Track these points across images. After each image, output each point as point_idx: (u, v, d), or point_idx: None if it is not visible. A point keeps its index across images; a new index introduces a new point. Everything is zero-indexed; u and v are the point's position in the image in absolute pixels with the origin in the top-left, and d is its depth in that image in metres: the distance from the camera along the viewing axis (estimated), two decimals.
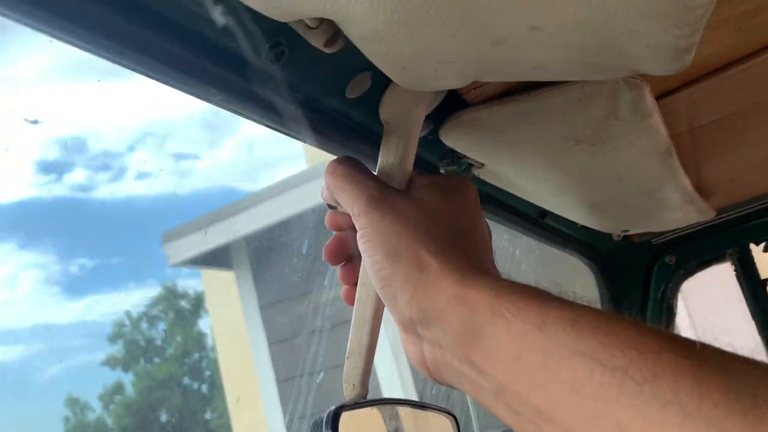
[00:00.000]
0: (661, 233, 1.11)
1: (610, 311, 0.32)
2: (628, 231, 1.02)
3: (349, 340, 0.49)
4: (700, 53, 0.54)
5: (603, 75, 0.40)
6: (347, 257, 0.50)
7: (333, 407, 0.43)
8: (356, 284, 0.50)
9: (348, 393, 0.48)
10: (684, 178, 0.72)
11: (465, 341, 0.36)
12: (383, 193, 0.43)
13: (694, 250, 1.12)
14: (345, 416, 0.44)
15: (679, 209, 0.85)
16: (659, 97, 0.63)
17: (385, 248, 0.41)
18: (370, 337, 0.48)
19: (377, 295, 0.48)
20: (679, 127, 0.70)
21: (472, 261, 0.40)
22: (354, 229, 0.45)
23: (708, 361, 0.28)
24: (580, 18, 0.29)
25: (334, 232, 0.51)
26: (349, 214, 0.49)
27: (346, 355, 0.49)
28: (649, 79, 0.51)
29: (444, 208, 0.44)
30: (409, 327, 0.40)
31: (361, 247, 0.42)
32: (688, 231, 1.09)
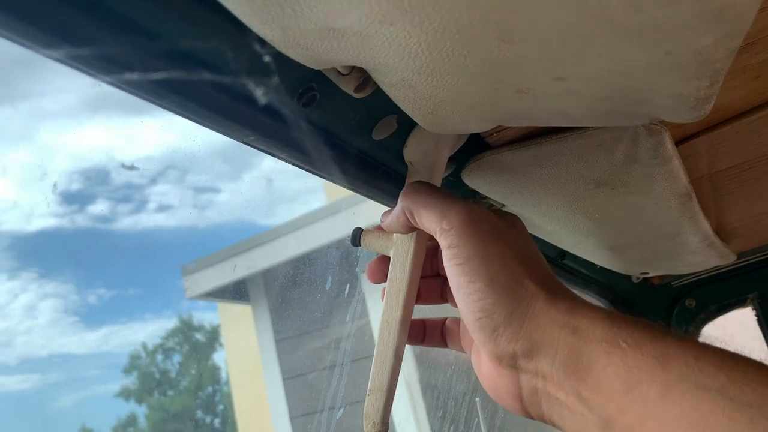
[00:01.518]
0: (682, 276, 1.11)
1: (732, 350, 0.31)
2: (647, 273, 1.02)
3: (370, 377, 0.49)
4: (720, 100, 0.55)
5: (624, 122, 0.41)
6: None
7: None
8: None
9: (368, 430, 0.49)
10: (704, 222, 0.73)
11: (574, 371, 0.34)
12: (479, 209, 0.41)
13: (714, 293, 1.12)
14: None
15: (699, 253, 0.85)
16: (679, 142, 0.64)
17: (486, 274, 0.38)
18: (391, 374, 0.49)
19: (399, 332, 0.49)
20: (699, 172, 0.71)
21: (567, 291, 0.38)
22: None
23: None
24: (604, 70, 0.30)
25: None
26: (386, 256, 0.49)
27: (367, 392, 0.49)
28: (669, 124, 0.52)
29: (522, 241, 0.42)
30: (506, 361, 0.38)
31: (454, 270, 0.39)
32: (709, 274, 1.09)
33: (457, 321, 0.51)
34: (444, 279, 0.51)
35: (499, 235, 0.40)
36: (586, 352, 0.34)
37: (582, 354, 0.34)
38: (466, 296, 0.38)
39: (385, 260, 0.50)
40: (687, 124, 0.63)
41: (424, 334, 0.52)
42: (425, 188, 0.44)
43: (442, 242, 0.40)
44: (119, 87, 0.30)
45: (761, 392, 0.28)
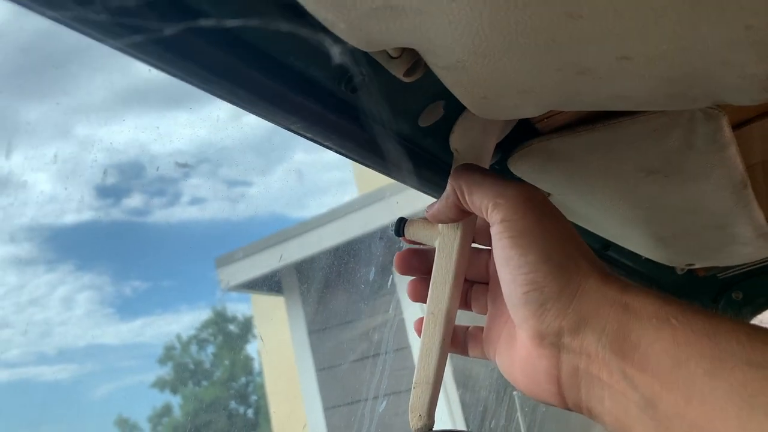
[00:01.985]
0: (728, 268, 1.07)
1: None
2: (693, 265, 0.99)
3: (416, 370, 0.48)
4: None
5: (685, 105, 0.39)
6: (414, 272, 0.50)
7: None
8: (420, 300, 0.50)
9: (414, 423, 0.48)
10: (758, 211, 0.70)
11: (621, 347, 0.34)
12: (535, 188, 0.41)
13: (762, 285, 1.08)
14: None
15: (750, 243, 0.82)
16: (734, 128, 0.61)
17: (541, 249, 0.37)
18: (437, 367, 0.48)
19: (445, 324, 0.48)
20: (752, 159, 0.68)
21: (620, 276, 0.38)
22: (428, 251, 0.44)
23: None
24: (675, 47, 0.29)
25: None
26: (426, 251, 0.49)
27: (413, 385, 0.48)
28: (727, 109, 0.50)
29: (570, 225, 0.41)
30: (550, 338, 0.37)
31: (505, 242, 0.38)
32: (757, 266, 1.06)
33: (480, 329, 0.51)
34: (470, 285, 0.51)
35: (556, 215, 0.40)
36: (635, 328, 0.34)
37: (631, 330, 0.34)
38: (516, 268, 0.38)
39: (414, 253, 0.50)
40: (743, 109, 0.60)
41: (465, 343, 0.51)
42: (478, 169, 0.44)
43: (495, 217, 0.39)
44: (166, 71, 0.30)
45: None
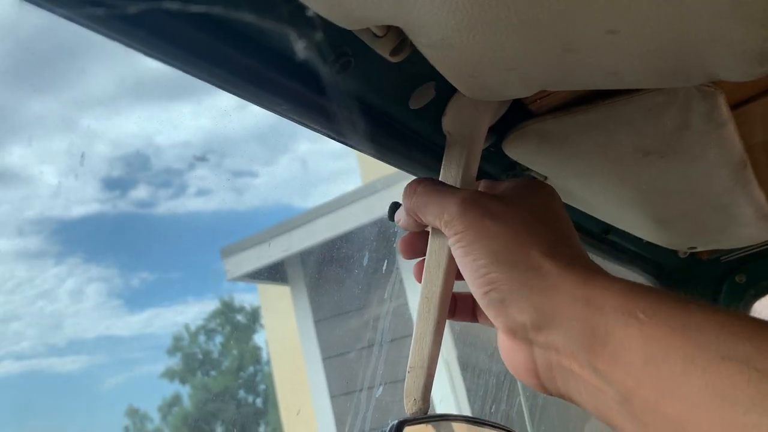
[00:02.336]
0: (731, 250, 1.06)
1: (761, 318, 0.29)
2: (695, 248, 0.98)
3: (410, 354, 0.48)
4: None
5: (678, 82, 0.38)
6: (420, 253, 0.49)
7: (395, 421, 0.42)
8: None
9: (409, 407, 0.47)
10: (759, 191, 0.69)
11: (589, 344, 0.33)
12: (475, 195, 0.42)
13: (766, 268, 1.07)
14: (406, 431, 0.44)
15: (751, 225, 0.81)
16: (733, 107, 0.60)
17: (490, 252, 0.38)
18: (432, 351, 0.47)
19: (439, 308, 0.47)
20: (753, 138, 0.67)
21: (585, 262, 0.38)
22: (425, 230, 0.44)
23: None
24: (662, 20, 0.28)
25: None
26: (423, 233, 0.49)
27: (407, 370, 0.48)
28: (723, 87, 0.49)
29: (538, 210, 0.42)
30: (519, 333, 0.38)
31: (459, 252, 0.40)
32: (760, 248, 1.05)
33: None
34: (461, 297, 0.51)
35: (502, 213, 0.40)
36: (601, 324, 0.33)
37: (596, 326, 0.33)
38: (473, 273, 0.39)
39: (417, 235, 0.50)
40: (742, 87, 0.59)
41: (454, 308, 0.50)
42: (423, 186, 0.44)
43: (448, 233, 0.41)
44: (140, 50, 0.29)
45: None
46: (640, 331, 0.31)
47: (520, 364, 0.39)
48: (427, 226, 0.47)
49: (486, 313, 0.40)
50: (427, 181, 0.45)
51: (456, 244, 0.40)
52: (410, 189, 0.45)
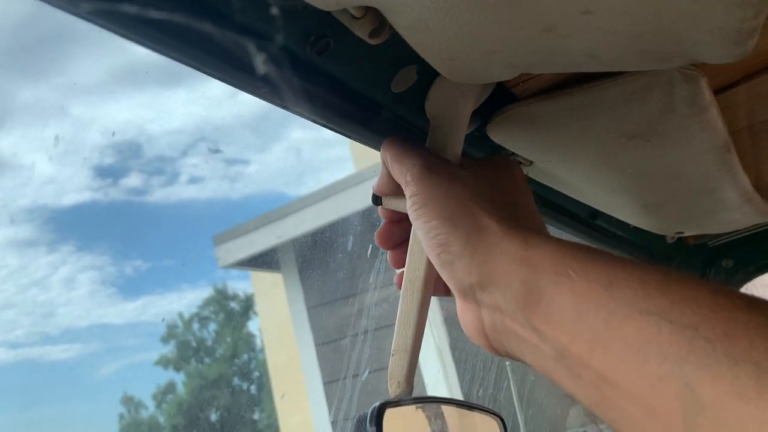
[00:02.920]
0: (718, 235, 1.07)
1: (683, 273, 0.30)
2: (682, 233, 0.98)
3: (394, 337, 0.48)
4: (762, 45, 0.51)
5: (658, 64, 0.38)
6: (397, 243, 0.51)
7: (377, 403, 0.43)
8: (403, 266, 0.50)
9: (393, 390, 0.48)
10: (743, 176, 0.69)
11: (527, 303, 0.35)
12: (437, 160, 0.43)
13: (752, 253, 1.08)
14: (390, 414, 0.44)
15: (737, 210, 0.81)
16: (717, 92, 0.60)
17: (441, 213, 0.40)
18: (415, 334, 0.48)
19: (422, 291, 0.48)
20: (738, 124, 0.68)
21: (532, 226, 0.39)
22: (402, 220, 0.45)
23: None
24: (637, 0, 0.28)
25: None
26: (394, 210, 0.49)
27: (391, 352, 0.48)
28: (706, 71, 0.49)
29: (496, 180, 0.44)
30: (468, 293, 0.39)
31: (413, 215, 0.42)
32: (747, 233, 1.05)
33: None
34: None
35: (456, 179, 0.42)
36: (536, 283, 0.35)
37: (532, 285, 0.35)
38: (426, 234, 0.40)
39: (394, 225, 0.51)
40: (726, 71, 0.59)
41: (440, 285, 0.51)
42: (396, 141, 0.46)
43: (407, 193, 0.42)
44: (116, 32, 0.29)
45: (700, 313, 0.28)
46: (571, 289, 0.33)
47: (471, 325, 0.40)
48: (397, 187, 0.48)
49: (442, 276, 0.41)
50: (402, 138, 0.47)
51: (412, 206, 0.41)
52: (388, 141, 0.47)
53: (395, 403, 0.45)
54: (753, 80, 0.60)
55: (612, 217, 0.84)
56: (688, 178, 0.68)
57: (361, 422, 0.42)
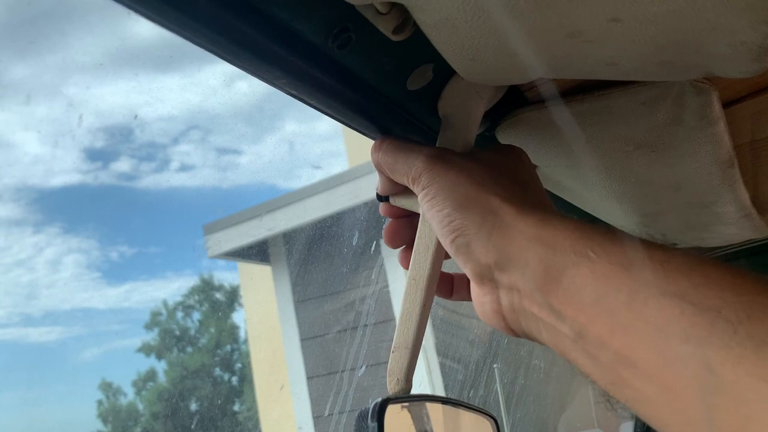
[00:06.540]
0: (713, 248, 1.08)
1: (704, 257, 0.32)
2: (677, 245, 0.99)
3: (395, 334, 0.48)
4: None
5: (675, 75, 0.39)
6: (405, 241, 0.51)
7: (379, 399, 0.43)
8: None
9: (392, 387, 0.48)
10: (743, 191, 0.70)
11: (545, 282, 0.35)
12: (441, 151, 0.43)
13: (746, 267, 1.08)
14: (389, 410, 0.44)
15: (733, 224, 0.82)
16: (724, 106, 0.61)
17: (453, 200, 0.40)
18: (416, 332, 0.48)
19: (426, 289, 0.48)
20: (741, 138, 0.68)
21: (545, 207, 0.39)
22: (408, 217, 0.45)
23: None
24: (666, 9, 0.28)
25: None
26: (399, 207, 0.49)
27: (392, 349, 0.48)
28: (717, 84, 0.49)
29: (504, 163, 0.44)
30: (486, 275, 0.39)
31: (426, 206, 0.42)
32: (741, 248, 1.06)
33: (464, 274, 0.52)
34: (459, 277, 0.52)
35: (464, 165, 0.42)
36: (555, 263, 0.34)
37: (551, 265, 0.35)
38: (440, 223, 0.40)
39: (401, 222, 0.50)
40: (733, 86, 0.60)
41: (452, 288, 0.51)
42: (388, 142, 0.46)
43: (417, 190, 0.42)
44: (144, 15, 0.29)
45: (722, 296, 0.28)
46: (591, 270, 0.33)
47: (488, 307, 0.40)
48: (402, 187, 0.47)
49: (457, 262, 0.41)
50: (393, 140, 0.46)
51: (423, 198, 0.42)
52: (377, 145, 0.47)
53: (396, 399, 0.45)
54: (759, 96, 0.61)
55: (609, 225, 0.85)
56: (688, 190, 0.68)
57: (362, 417, 0.42)
